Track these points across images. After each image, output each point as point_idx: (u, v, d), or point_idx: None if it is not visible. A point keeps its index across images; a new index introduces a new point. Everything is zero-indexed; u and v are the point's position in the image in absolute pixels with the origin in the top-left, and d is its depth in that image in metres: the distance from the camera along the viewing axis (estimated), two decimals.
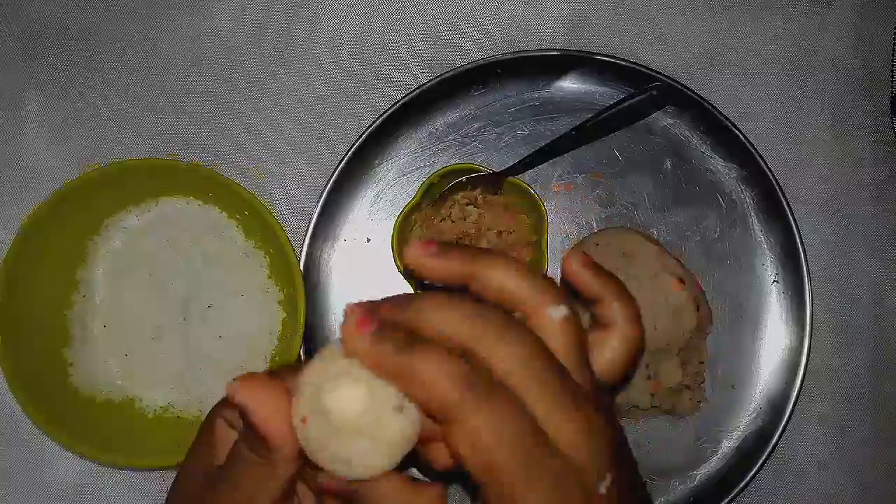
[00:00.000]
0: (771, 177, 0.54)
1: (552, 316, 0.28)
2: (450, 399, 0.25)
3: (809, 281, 0.54)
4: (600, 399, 0.28)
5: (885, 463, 0.55)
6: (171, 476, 0.54)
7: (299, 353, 0.51)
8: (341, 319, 0.27)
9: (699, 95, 0.55)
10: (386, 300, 0.29)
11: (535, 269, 0.30)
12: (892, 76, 0.58)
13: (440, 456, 0.29)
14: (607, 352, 0.30)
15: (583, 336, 0.29)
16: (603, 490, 0.26)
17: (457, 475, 0.28)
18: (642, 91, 0.53)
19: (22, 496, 0.54)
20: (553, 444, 0.25)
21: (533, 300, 0.28)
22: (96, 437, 0.50)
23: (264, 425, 0.27)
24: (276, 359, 0.53)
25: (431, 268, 0.29)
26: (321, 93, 0.57)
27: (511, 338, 0.26)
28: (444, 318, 0.27)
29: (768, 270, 0.56)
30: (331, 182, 0.54)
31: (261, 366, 0.53)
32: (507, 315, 0.28)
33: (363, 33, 0.58)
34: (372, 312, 0.27)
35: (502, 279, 0.28)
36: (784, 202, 0.54)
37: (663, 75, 0.55)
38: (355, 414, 0.26)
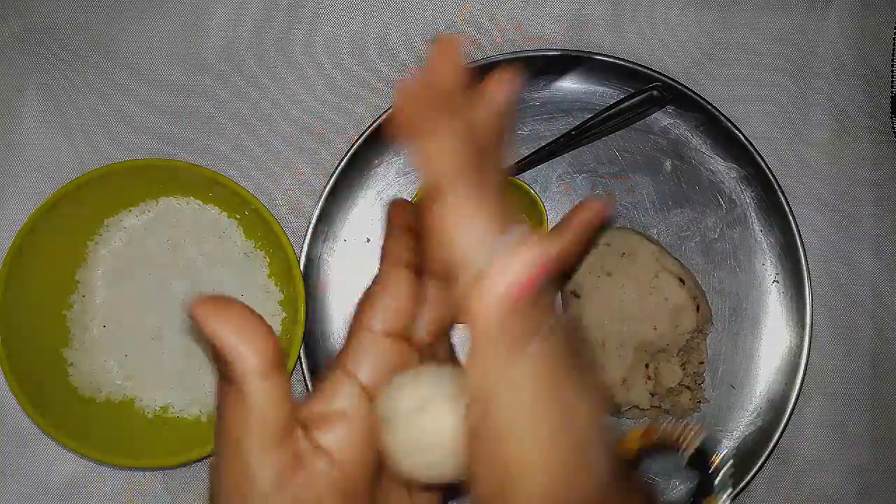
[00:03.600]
0: (771, 177, 0.54)
1: None
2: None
3: (809, 281, 0.54)
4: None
5: (885, 463, 0.55)
6: (171, 476, 0.54)
7: (299, 353, 0.51)
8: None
9: (699, 95, 0.55)
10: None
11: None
12: (893, 76, 0.58)
13: None
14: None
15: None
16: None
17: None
18: (642, 91, 0.53)
19: (22, 496, 0.54)
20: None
21: None
22: (96, 437, 0.50)
23: (214, 336, 0.25)
24: None
25: None
26: (320, 93, 0.57)
27: None
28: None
29: (768, 270, 0.56)
30: (330, 182, 0.54)
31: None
32: None
33: (362, 34, 0.58)
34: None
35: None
36: (784, 202, 0.54)
37: (663, 75, 0.55)
38: (448, 432, 0.28)
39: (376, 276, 0.30)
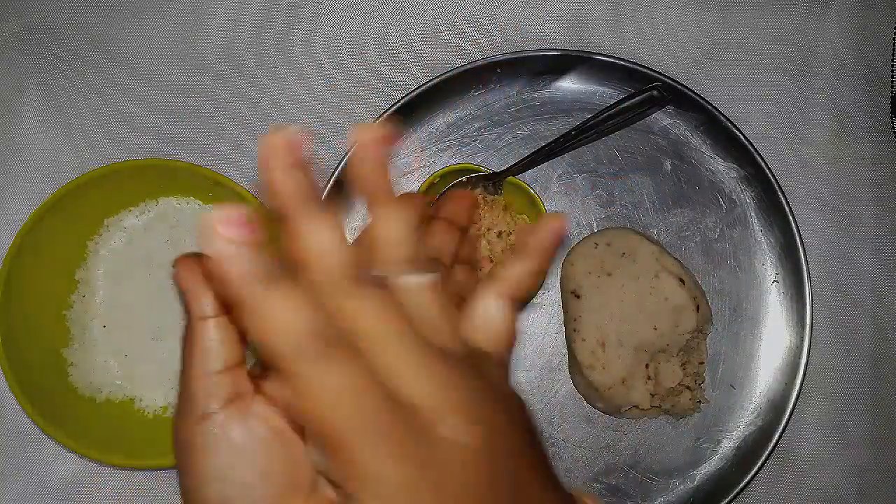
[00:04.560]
0: (771, 177, 0.54)
1: (409, 281, 0.28)
2: (293, 346, 0.23)
3: (809, 281, 0.54)
4: (461, 357, 0.27)
5: (885, 463, 0.55)
6: (171, 476, 0.54)
7: None
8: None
9: (699, 95, 0.55)
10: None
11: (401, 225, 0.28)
12: (893, 76, 0.58)
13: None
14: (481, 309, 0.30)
15: (441, 299, 0.28)
16: (445, 432, 0.24)
17: None
18: (642, 91, 0.53)
19: (21, 496, 0.54)
20: (397, 397, 0.24)
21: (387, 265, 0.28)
22: (96, 437, 0.50)
23: (180, 281, 0.29)
24: None
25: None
26: (320, 93, 0.57)
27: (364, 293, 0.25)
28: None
29: (768, 270, 0.56)
30: (331, 182, 0.54)
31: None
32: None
33: (362, 34, 0.58)
34: (249, 221, 0.24)
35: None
36: (784, 202, 0.54)
37: (663, 75, 0.55)
38: None
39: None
